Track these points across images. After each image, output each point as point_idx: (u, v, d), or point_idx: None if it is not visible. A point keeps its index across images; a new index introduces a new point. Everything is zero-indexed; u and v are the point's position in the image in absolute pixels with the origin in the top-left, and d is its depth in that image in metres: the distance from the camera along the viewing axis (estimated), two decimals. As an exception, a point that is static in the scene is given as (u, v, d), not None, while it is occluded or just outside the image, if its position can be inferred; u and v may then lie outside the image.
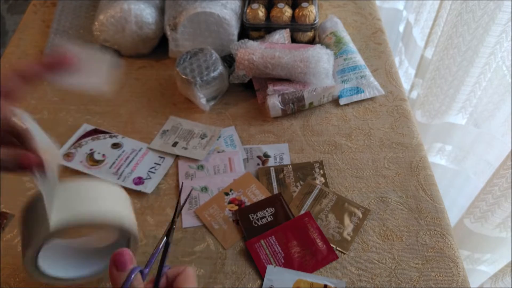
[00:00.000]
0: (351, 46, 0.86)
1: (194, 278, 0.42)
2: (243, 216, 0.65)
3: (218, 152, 0.74)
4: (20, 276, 0.61)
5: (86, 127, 0.78)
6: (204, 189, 0.69)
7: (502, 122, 0.97)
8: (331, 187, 0.69)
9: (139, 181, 0.70)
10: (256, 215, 0.65)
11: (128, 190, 0.69)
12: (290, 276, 0.59)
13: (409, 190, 0.68)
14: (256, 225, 0.64)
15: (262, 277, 0.59)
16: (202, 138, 0.75)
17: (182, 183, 0.68)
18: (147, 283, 0.42)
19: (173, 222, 0.48)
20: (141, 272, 0.41)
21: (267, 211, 0.65)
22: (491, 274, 0.90)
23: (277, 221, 0.64)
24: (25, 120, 0.42)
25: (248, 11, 0.85)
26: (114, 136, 0.76)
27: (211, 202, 0.67)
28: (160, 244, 0.45)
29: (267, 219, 0.65)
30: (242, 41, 0.79)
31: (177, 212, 0.48)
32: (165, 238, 0.46)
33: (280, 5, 0.85)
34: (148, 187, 0.69)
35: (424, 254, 0.61)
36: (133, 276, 0.39)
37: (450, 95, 1.04)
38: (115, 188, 0.51)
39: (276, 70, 0.76)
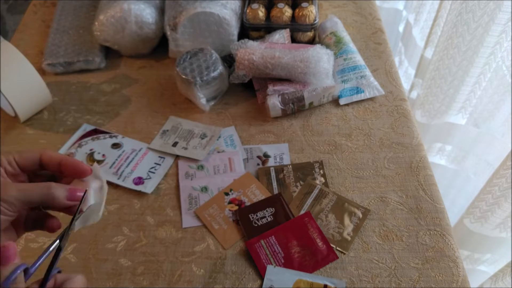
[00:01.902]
0: (351, 46, 0.86)
1: (83, 285, 0.40)
2: (243, 216, 0.65)
3: (218, 152, 0.74)
4: (20, 276, 0.61)
5: (86, 127, 0.78)
6: (204, 189, 0.69)
7: (502, 122, 0.97)
8: (331, 187, 0.69)
9: (139, 181, 0.70)
10: (256, 215, 0.65)
11: (128, 190, 0.69)
12: (290, 276, 0.59)
13: (409, 190, 0.68)
14: (256, 225, 0.64)
15: (262, 277, 0.59)
16: (202, 138, 0.75)
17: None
18: (32, 283, 0.39)
19: (70, 226, 0.43)
20: (26, 270, 0.38)
21: (267, 211, 0.65)
22: (491, 274, 0.90)
23: (277, 221, 0.64)
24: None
25: (248, 11, 0.85)
26: (114, 136, 0.76)
27: (211, 202, 0.67)
28: (50, 246, 0.41)
29: (267, 219, 0.65)
30: (242, 41, 0.79)
31: (75, 216, 0.43)
32: (58, 241, 0.42)
33: (280, 5, 0.85)
34: (148, 187, 0.69)
35: (424, 254, 0.61)
36: (17, 272, 0.36)
37: (450, 95, 1.04)
38: None
39: (276, 70, 0.76)
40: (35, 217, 0.44)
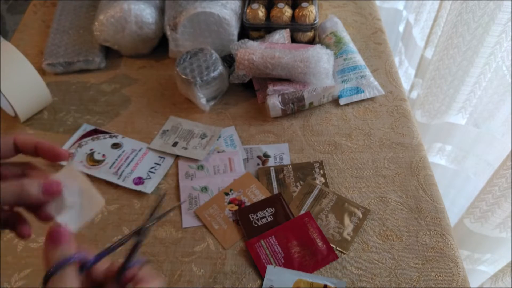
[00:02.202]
0: (351, 46, 0.86)
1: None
2: (243, 216, 0.65)
3: (218, 152, 0.74)
4: (20, 275, 0.61)
5: (86, 127, 0.78)
6: (204, 189, 0.69)
7: (502, 122, 0.97)
8: (331, 187, 0.69)
9: (139, 181, 0.70)
10: (256, 215, 0.65)
11: (128, 190, 0.69)
12: (290, 276, 0.59)
13: (409, 190, 0.68)
14: (256, 225, 0.64)
15: (262, 277, 0.59)
16: (202, 138, 0.75)
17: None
18: (112, 263, 0.38)
19: (149, 221, 0.42)
20: (84, 264, 0.36)
21: (267, 211, 0.65)
22: (491, 274, 0.90)
23: (277, 221, 0.64)
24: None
25: (248, 11, 0.85)
26: (114, 136, 0.76)
27: (211, 202, 0.67)
28: (124, 239, 0.41)
29: (267, 219, 0.65)
30: (242, 41, 0.79)
31: (155, 211, 0.42)
32: (137, 234, 0.41)
33: (280, 5, 0.85)
34: (148, 187, 0.69)
35: (424, 254, 0.61)
36: (69, 262, 0.34)
37: (450, 95, 1.04)
38: None
39: (276, 70, 0.76)
40: (6, 216, 0.42)
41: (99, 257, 0.39)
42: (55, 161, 0.42)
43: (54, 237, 0.36)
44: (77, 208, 0.40)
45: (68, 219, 0.39)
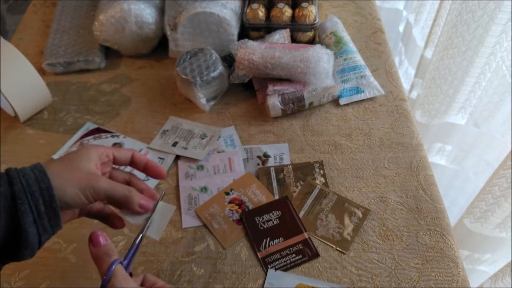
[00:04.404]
0: (351, 46, 0.86)
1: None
2: (249, 218, 0.65)
3: (218, 152, 0.74)
4: (20, 275, 0.61)
5: (90, 126, 0.78)
6: (204, 189, 0.69)
7: (502, 122, 0.97)
8: (331, 187, 0.69)
9: (139, 181, 0.70)
10: (262, 218, 0.65)
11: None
12: (290, 280, 0.59)
13: (409, 190, 0.68)
14: (261, 228, 0.64)
15: (262, 277, 0.59)
16: (202, 138, 0.75)
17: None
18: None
19: (147, 222, 0.51)
20: (121, 263, 0.45)
21: (273, 214, 0.65)
22: (491, 274, 0.90)
23: (283, 224, 0.64)
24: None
25: (248, 11, 0.85)
26: (116, 135, 0.76)
27: (211, 201, 0.67)
28: (136, 240, 0.50)
29: (273, 222, 0.64)
30: (242, 41, 0.79)
31: (151, 216, 0.51)
32: (141, 235, 0.51)
33: (280, 5, 0.85)
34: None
35: (424, 254, 0.61)
36: (113, 266, 0.43)
37: (450, 95, 1.04)
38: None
39: (276, 70, 0.76)
40: (100, 209, 0.52)
41: (127, 256, 0.48)
42: (156, 178, 0.53)
43: (94, 240, 0.45)
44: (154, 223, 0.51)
45: (150, 232, 0.51)
